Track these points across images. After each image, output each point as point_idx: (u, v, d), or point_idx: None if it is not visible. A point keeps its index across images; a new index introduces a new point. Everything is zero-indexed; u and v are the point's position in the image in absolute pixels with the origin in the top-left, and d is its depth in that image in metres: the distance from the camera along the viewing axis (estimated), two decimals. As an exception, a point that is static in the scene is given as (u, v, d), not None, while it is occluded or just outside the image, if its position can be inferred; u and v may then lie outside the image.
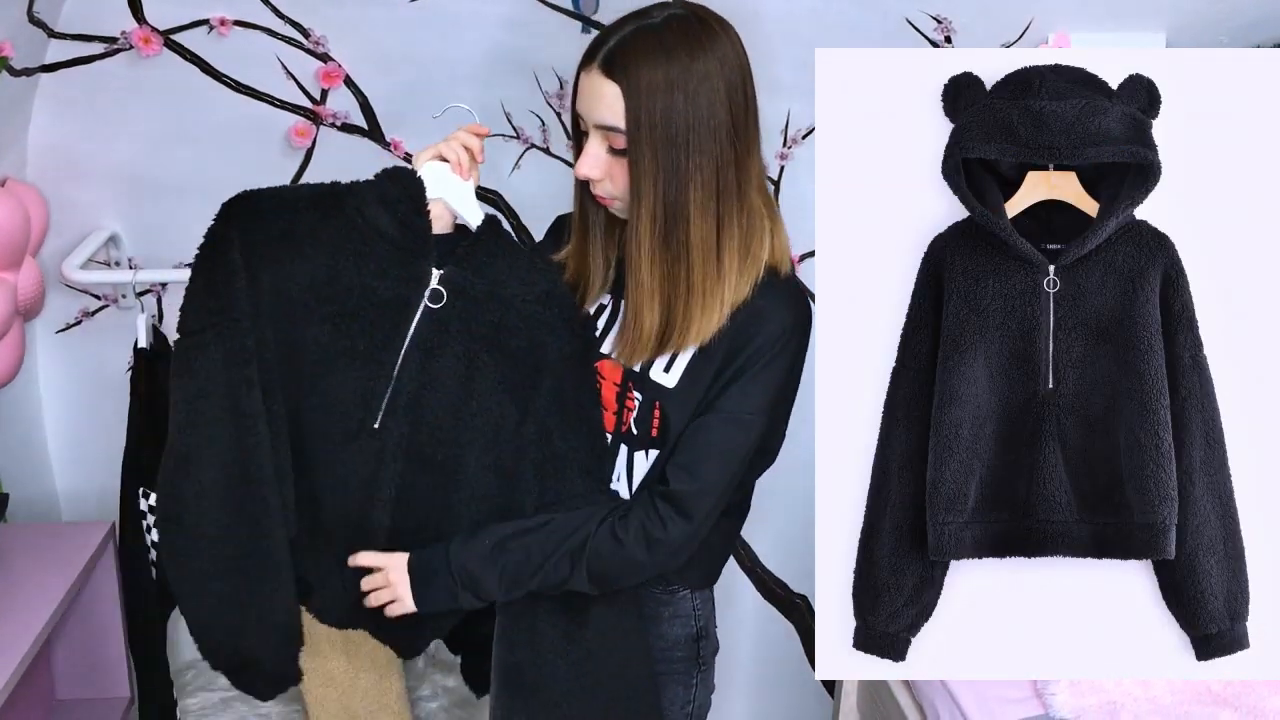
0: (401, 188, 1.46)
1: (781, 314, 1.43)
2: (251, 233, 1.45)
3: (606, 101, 1.35)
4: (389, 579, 1.50)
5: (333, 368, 1.47)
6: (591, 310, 1.53)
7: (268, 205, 1.47)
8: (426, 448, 1.48)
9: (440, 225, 1.49)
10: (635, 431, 1.48)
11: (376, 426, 1.47)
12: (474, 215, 1.49)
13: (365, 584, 1.53)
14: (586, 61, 1.38)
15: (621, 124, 1.35)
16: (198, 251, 1.47)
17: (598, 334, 1.52)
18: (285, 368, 1.47)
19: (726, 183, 1.38)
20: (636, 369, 1.47)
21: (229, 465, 1.47)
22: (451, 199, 1.48)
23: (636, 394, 1.47)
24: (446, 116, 1.56)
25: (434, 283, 1.46)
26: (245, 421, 1.46)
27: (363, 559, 1.52)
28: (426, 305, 1.46)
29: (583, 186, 1.47)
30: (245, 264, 1.44)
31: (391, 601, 1.51)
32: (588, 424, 1.49)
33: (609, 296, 1.52)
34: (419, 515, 1.51)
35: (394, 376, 1.46)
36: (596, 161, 1.40)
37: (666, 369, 1.45)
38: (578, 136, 1.44)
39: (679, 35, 1.35)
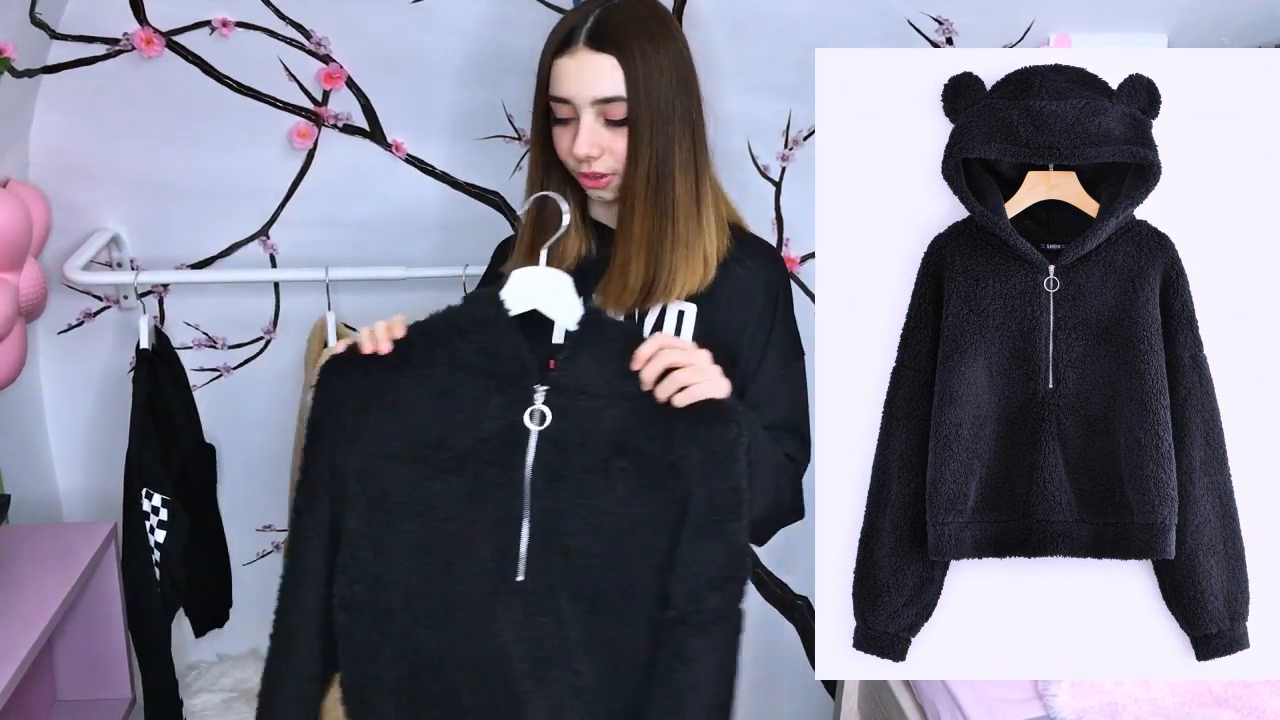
0: (478, 313, 1.38)
1: (768, 259, 1.57)
2: (335, 399, 1.39)
3: (604, 73, 1.42)
4: (694, 357, 1.35)
5: (462, 520, 1.37)
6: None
7: (352, 363, 1.39)
8: (577, 586, 1.36)
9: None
10: None
11: (520, 579, 1.35)
12: (570, 316, 1.39)
13: (660, 360, 1.34)
14: (564, 46, 1.44)
15: (622, 92, 1.42)
16: None
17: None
18: (421, 526, 1.37)
19: (700, 142, 1.50)
20: None
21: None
22: (543, 305, 1.40)
23: None
24: None
25: (539, 401, 1.36)
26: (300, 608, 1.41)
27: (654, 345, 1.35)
28: (534, 429, 1.36)
29: (557, 183, 1.50)
30: (334, 436, 1.39)
31: (687, 387, 1.35)
32: (723, 538, 1.36)
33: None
34: (582, 661, 1.37)
35: (524, 518, 1.35)
36: (596, 138, 1.45)
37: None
38: (545, 128, 1.48)
39: (644, 10, 1.47)
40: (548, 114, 1.48)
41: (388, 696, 1.38)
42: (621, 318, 1.51)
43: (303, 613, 1.41)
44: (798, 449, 1.54)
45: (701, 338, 1.50)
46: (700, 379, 1.33)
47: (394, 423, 1.37)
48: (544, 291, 1.40)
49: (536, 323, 1.40)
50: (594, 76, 1.42)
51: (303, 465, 1.42)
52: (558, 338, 1.39)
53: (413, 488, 1.37)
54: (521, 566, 1.35)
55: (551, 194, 1.47)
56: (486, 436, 1.36)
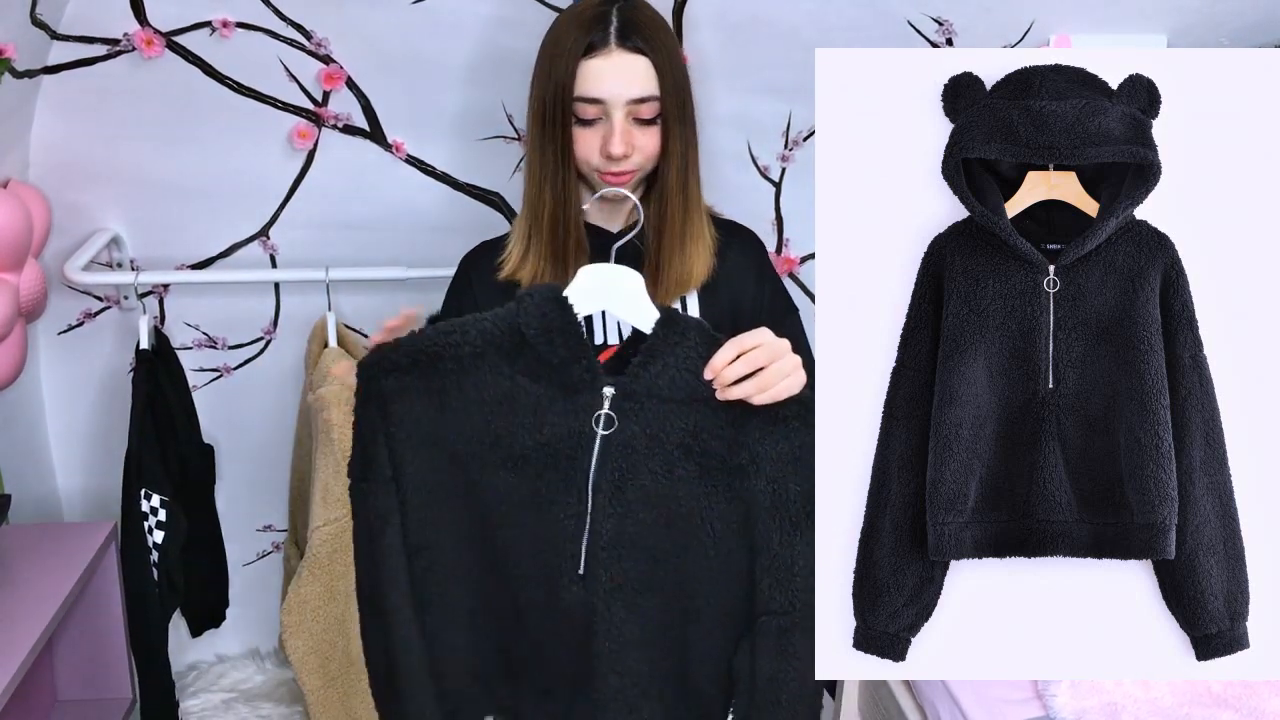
0: (544, 319, 1.31)
1: (749, 239, 1.66)
2: (386, 393, 1.34)
3: (640, 74, 1.47)
4: (775, 353, 1.32)
5: (519, 518, 1.36)
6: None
7: (402, 360, 1.33)
8: (647, 581, 1.37)
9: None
10: None
11: (581, 573, 1.36)
12: (646, 318, 1.34)
13: (744, 363, 1.31)
14: (593, 47, 1.46)
15: (657, 91, 1.47)
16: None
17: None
18: (473, 516, 1.37)
19: (698, 138, 1.55)
20: None
21: (372, 599, 1.42)
22: (615, 307, 1.36)
23: None
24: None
25: (606, 407, 1.33)
26: (380, 561, 1.38)
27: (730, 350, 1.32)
28: (601, 434, 1.34)
29: (561, 185, 1.51)
30: (384, 423, 1.34)
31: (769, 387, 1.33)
32: (810, 533, 1.39)
33: None
34: (656, 654, 1.40)
35: (586, 517, 1.35)
36: (629, 137, 1.48)
37: None
38: (566, 125, 1.48)
39: (652, 9, 1.52)
40: (560, 115, 1.48)
41: (460, 631, 1.42)
42: None
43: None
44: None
45: (706, 320, 1.52)
46: (782, 378, 1.32)
47: (446, 418, 1.33)
48: (617, 293, 1.36)
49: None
50: (632, 77, 1.46)
51: (358, 454, 1.37)
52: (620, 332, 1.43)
53: (465, 482, 1.35)
54: (582, 563, 1.36)
55: (622, 191, 1.49)
56: (547, 440, 1.33)
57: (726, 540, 1.37)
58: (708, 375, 1.31)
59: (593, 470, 1.34)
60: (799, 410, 1.34)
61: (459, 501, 1.37)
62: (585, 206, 1.52)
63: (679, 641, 1.41)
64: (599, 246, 1.54)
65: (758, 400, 1.31)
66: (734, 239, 1.63)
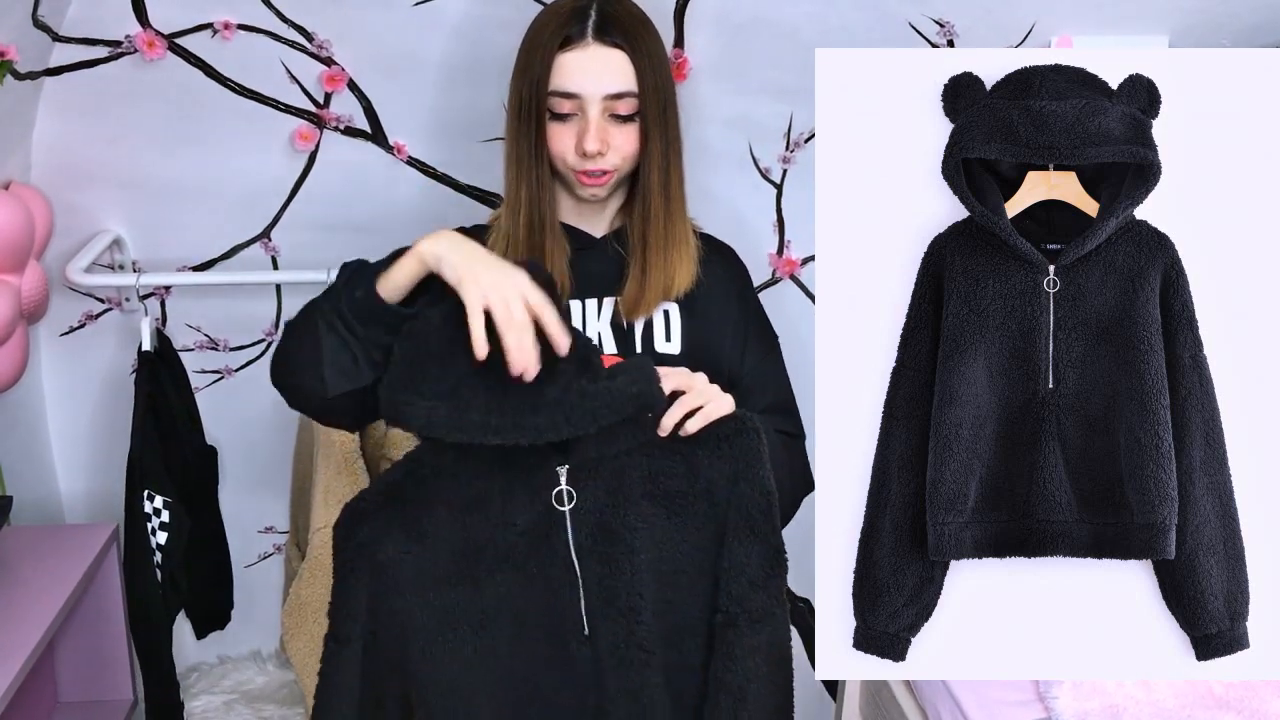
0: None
1: (731, 257, 1.63)
2: (365, 543, 1.36)
3: (615, 68, 1.43)
4: (691, 383, 1.36)
5: (521, 612, 1.37)
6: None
7: (370, 507, 1.36)
8: (651, 632, 1.37)
9: None
10: None
11: (586, 634, 1.37)
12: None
13: (666, 386, 1.34)
14: (570, 40, 1.43)
15: (634, 87, 1.43)
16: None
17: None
18: (487, 629, 1.38)
19: (681, 142, 1.51)
20: (639, 349, 1.51)
21: None
22: None
23: None
24: None
25: (563, 482, 1.35)
26: None
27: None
28: (565, 509, 1.35)
29: (537, 184, 1.48)
30: (368, 579, 1.36)
31: (699, 407, 1.36)
32: (761, 539, 1.39)
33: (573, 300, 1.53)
34: (670, 702, 1.40)
35: (579, 585, 1.36)
36: (605, 134, 1.44)
37: (667, 339, 1.52)
38: (541, 120, 1.46)
39: (634, 5, 1.48)
40: (535, 110, 1.46)
41: None
42: (641, 323, 1.52)
43: None
44: (796, 425, 1.59)
45: (688, 336, 1.53)
46: (705, 400, 1.34)
47: (427, 546, 1.36)
48: None
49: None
50: (608, 71, 1.42)
51: (332, 615, 1.38)
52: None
53: (468, 604, 1.36)
54: (585, 623, 1.36)
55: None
56: (522, 530, 1.36)
57: (708, 571, 1.38)
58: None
59: (571, 542, 1.35)
60: (736, 426, 1.35)
61: (469, 621, 1.38)
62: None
63: (680, 685, 1.40)
64: (580, 249, 1.54)
65: (690, 427, 1.33)
66: (716, 254, 1.60)
